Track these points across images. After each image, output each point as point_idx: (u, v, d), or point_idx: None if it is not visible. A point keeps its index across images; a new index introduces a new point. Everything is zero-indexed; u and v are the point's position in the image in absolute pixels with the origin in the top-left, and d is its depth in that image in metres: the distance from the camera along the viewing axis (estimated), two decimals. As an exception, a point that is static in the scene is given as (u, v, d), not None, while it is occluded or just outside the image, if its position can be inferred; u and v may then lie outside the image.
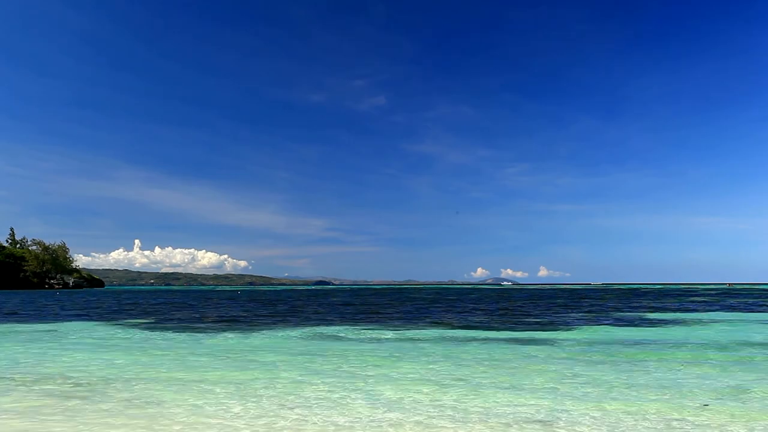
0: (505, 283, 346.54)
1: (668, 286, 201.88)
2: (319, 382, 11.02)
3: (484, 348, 16.47)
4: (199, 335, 21.07)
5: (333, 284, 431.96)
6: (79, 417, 8.25)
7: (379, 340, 18.92)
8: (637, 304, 44.23)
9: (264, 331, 22.30)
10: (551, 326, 24.03)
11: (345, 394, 9.85)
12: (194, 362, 13.94)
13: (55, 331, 23.48)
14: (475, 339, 19.05)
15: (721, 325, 24.39)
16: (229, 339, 19.68)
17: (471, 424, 7.75)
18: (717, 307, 39.19)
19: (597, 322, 26.58)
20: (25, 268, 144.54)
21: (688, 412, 8.35)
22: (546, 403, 9.01)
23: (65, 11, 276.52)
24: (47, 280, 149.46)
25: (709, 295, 70.64)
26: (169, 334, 21.55)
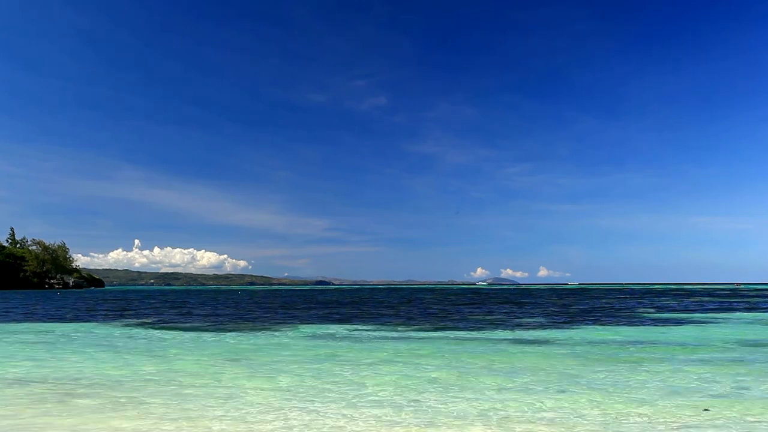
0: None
1: (670, 286, 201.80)
2: (320, 380, 11.04)
3: (481, 348, 16.47)
4: (200, 335, 21.07)
5: (333, 284, 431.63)
6: (80, 418, 8.25)
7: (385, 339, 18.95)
8: (637, 304, 44.19)
9: (266, 331, 22.30)
10: (550, 326, 24.02)
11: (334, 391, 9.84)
12: (195, 362, 13.95)
13: (57, 331, 23.47)
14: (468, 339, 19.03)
15: (721, 325, 24.37)
16: (229, 339, 19.69)
17: (470, 424, 7.75)
18: (718, 307, 39.15)
19: (598, 322, 26.56)
20: (25, 268, 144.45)
21: (688, 413, 8.35)
22: (546, 403, 9.02)
23: (65, 11, 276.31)
24: (47, 280, 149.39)
25: (712, 295, 70.62)
26: (169, 334, 21.55)
